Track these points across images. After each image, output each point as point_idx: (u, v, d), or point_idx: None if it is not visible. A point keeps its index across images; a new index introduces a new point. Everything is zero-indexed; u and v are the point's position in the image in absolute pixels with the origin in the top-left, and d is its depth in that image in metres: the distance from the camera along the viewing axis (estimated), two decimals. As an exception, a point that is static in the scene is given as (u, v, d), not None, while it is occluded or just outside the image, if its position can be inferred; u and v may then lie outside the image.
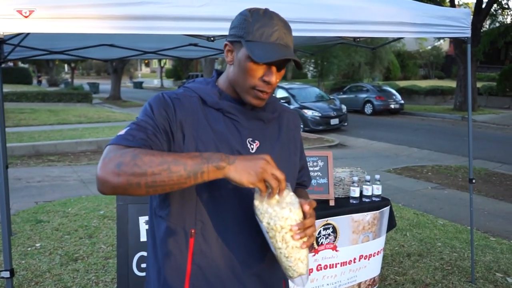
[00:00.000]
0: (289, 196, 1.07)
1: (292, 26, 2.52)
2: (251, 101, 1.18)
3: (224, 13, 2.37)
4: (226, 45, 1.20)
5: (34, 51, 4.37)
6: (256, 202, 1.07)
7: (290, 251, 1.07)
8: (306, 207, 1.07)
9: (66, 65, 43.60)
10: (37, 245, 4.22)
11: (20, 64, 35.70)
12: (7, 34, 1.98)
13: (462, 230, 4.84)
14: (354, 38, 2.91)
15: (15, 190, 6.14)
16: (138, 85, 39.88)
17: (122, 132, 1.08)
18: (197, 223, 1.16)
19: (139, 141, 1.05)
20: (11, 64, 33.72)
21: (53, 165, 8.15)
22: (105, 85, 32.93)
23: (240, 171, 0.99)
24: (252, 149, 1.21)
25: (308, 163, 2.97)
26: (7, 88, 22.35)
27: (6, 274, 1.99)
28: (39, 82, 37.84)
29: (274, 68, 1.15)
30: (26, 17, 1.93)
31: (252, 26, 1.12)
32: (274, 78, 1.14)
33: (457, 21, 2.98)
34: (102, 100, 24.83)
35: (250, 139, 1.22)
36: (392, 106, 17.67)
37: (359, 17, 2.66)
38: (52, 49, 4.46)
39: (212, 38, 2.45)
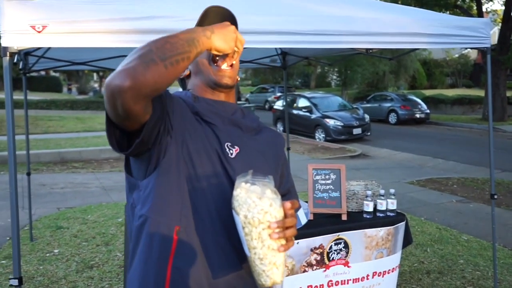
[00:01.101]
0: (271, 190, 1.00)
1: (304, 38, 2.56)
2: (218, 80, 1.21)
3: (235, 26, 2.38)
4: None
5: (57, 62, 4.51)
6: (236, 192, 1.01)
7: (266, 252, 0.99)
8: (288, 205, 1.01)
9: (95, 74, 44.77)
10: (56, 251, 4.31)
11: (52, 73, 36.86)
12: (21, 49, 2.04)
13: (487, 247, 4.66)
14: (367, 50, 2.87)
15: (38, 196, 6.31)
16: (164, 93, 40.44)
17: None
18: (182, 220, 1.11)
19: None
20: (43, 73, 34.91)
21: (77, 172, 8.34)
22: (132, 93, 33.59)
23: (222, 40, 1.11)
24: (232, 154, 1.19)
25: (320, 176, 2.94)
26: (38, 96, 23.14)
27: (15, 282, 2.04)
28: (69, 90, 39.04)
29: None
30: (39, 32, 1.98)
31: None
32: None
33: (475, 31, 2.90)
34: (128, 108, 25.30)
35: (229, 143, 1.19)
36: (417, 115, 17.33)
37: (371, 28, 2.63)
38: (75, 60, 4.59)
39: (221, 51, 2.46)
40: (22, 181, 5.80)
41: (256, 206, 0.98)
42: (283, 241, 1.00)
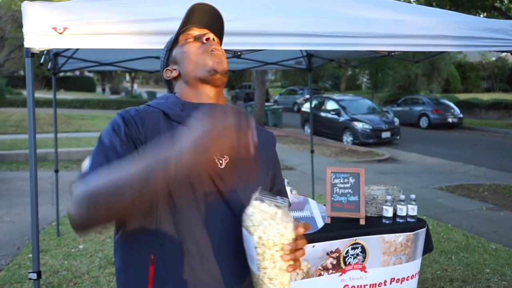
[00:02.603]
0: (286, 212, 1.01)
1: (323, 40, 2.54)
2: (214, 66, 1.16)
3: (253, 28, 2.39)
4: (166, 71, 1.26)
5: (86, 62, 4.64)
6: (250, 210, 1.01)
7: (276, 272, 1.01)
8: (301, 230, 1.01)
9: (127, 75, 45.81)
10: (80, 247, 4.44)
11: (86, 73, 38.02)
12: (43, 49, 2.11)
13: (517, 257, 4.48)
14: (389, 52, 2.81)
15: (68, 193, 6.49)
16: (194, 94, 40.98)
17: (87, 164, 1.06)
18: (157, 248, 1.07)
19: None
20: (77, 73, 36.04)
21: (106, 170, 8.54)
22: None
23: (191, 166, 0.92)
24: (221, 164, 1.12)
25: (339, 179, 2.91)
26: (72, 96, 23.88)
27: (34, 275, 2.10)
28: (103, 90, 40.16)
29: (208, 32, 1.21)
30: (60, 33, 2.05)
31: (175, 33, 1.25)
32: (210, 35, 1.20)
33: (505, 33, 2.79)
34: (158, 108, 25.80)
35: (218, 153, 1.11)
36: (450, 120, 16.83)
37: (393, 30, 2.57)
38: (102, 61, 4.71)
39: (239, 53, 2.46)
40: (52, 178, 5.98)
41: (272, 228, 0.99)
42: (292, 262, 1.02)
